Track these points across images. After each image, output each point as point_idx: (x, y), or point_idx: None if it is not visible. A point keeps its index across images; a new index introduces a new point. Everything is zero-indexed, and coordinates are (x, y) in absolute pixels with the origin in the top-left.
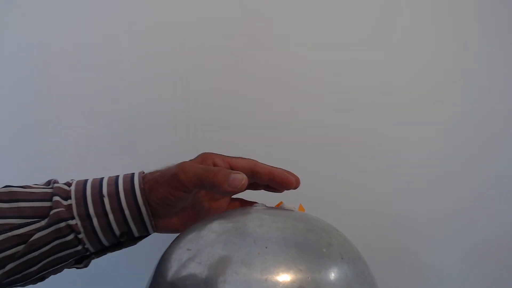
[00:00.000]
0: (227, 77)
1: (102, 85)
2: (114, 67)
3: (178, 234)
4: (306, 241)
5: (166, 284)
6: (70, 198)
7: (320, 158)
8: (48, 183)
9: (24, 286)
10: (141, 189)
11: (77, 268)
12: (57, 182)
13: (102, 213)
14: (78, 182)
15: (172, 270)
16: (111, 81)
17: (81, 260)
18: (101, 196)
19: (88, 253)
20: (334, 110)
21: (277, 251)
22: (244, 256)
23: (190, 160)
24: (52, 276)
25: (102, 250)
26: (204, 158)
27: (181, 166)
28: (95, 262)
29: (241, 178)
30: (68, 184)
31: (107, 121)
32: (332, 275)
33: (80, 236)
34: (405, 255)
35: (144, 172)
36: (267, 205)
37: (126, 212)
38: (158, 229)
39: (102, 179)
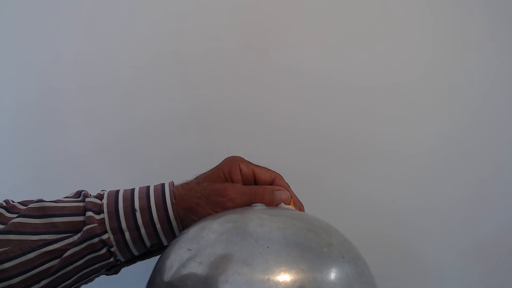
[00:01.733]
0: (232, 79)
1: (107, 91)
2: (118, 73)
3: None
4: (307, 240)
5: (166, 284)
6: (102, 212)
7: (320, 158)
8: (78, 194)
9: None
10: (172, 203)
11: (107, 275)
12: (87, 194)
13: (134, 227)
14: (109, 195)
15: (173, 270)
16: (116, 87)
17: (111, 268)
18: (133, 210)
19: (119, 263)
20: (335, 110)
21: (279, 251)
22: (246, 256)
23: (217, 167)
24: None
25: (132, 259)
26: (230, 165)
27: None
28: None
29: (287, 197)
30: (100, 197)
31: (113, 126)
32: (333, 275)
33: (112, 249)
34: (405, 254)
35: (173, 183)
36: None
37: (158, 226)
38: None
39: (133, 190)
